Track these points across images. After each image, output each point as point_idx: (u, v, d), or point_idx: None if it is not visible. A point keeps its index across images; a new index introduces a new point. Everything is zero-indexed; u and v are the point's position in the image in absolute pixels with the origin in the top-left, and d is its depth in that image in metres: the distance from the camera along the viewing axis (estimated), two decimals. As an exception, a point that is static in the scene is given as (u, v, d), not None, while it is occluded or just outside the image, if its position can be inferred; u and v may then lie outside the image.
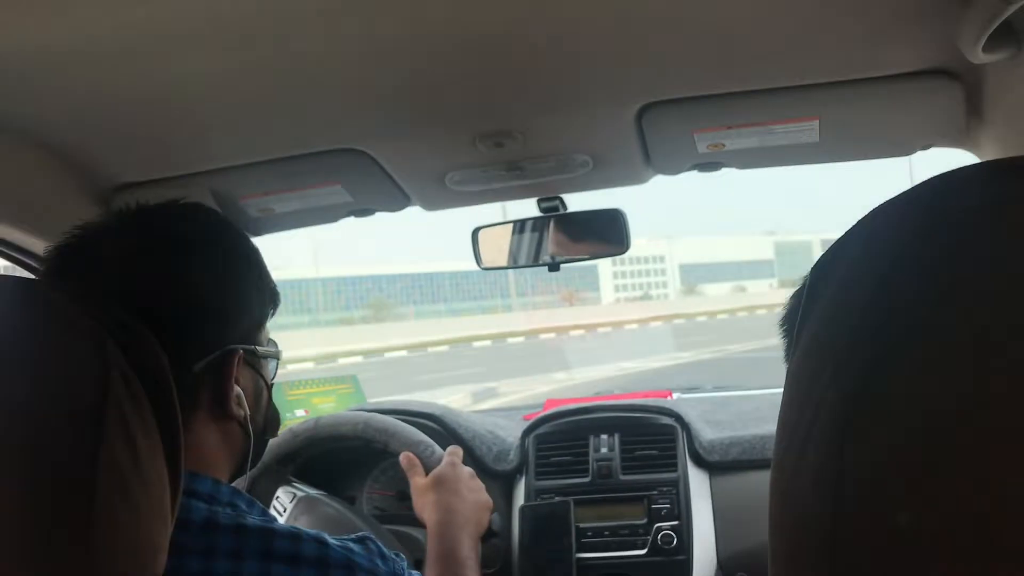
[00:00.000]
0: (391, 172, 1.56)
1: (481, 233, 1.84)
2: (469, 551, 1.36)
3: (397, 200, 1.69)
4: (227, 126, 1.37)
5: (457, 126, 1.41)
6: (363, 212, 1.73)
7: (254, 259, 1.05)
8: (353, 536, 0.96)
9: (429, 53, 1.16)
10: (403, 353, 32.20)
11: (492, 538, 1.60)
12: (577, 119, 1.41)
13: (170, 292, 0.93)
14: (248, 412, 1.01)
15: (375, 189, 1.61)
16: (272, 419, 1.09)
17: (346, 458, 1.91)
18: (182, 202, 1.04)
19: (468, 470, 1.55)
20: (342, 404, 2.65)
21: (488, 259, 1.86)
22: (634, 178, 1.70)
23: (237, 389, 0.98)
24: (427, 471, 1.54)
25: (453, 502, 1.44)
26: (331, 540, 0.92)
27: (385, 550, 0.96)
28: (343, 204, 1.68)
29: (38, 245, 1.45)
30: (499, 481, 1.91)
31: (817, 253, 0.49)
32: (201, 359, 0.94)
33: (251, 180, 1.53)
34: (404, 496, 1.88)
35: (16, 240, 1.44)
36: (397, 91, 1.29)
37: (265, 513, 0.95)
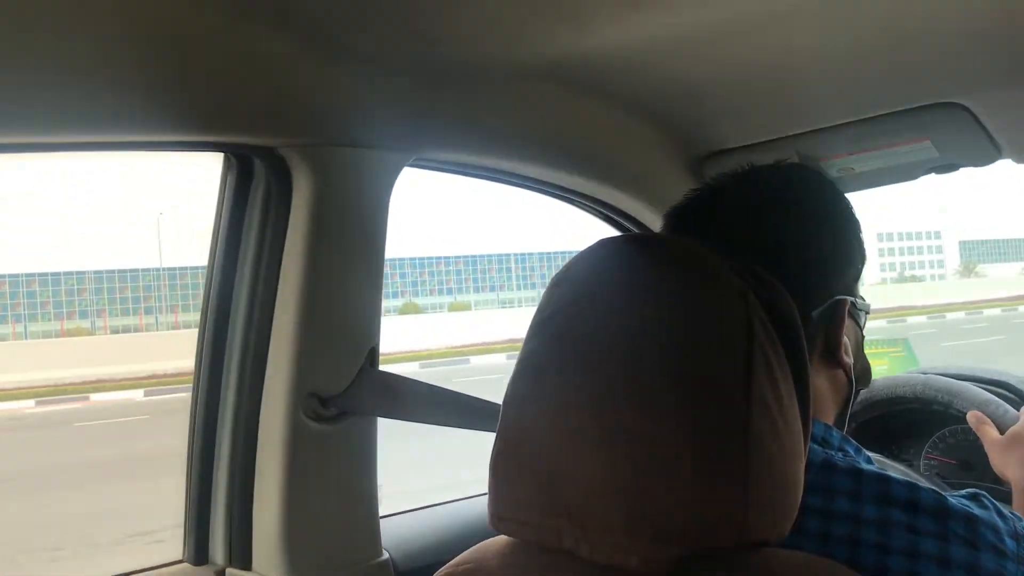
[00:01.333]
0: (987, 125, 1.47)
1: None
2: None
3: (987, 154, 1.59)
4: (821, 89, 1.41)
5: None
6: (945, 168, 1.66)
7: (853, 214, 1.07)
8: (964, 492, 0.94)
9: None
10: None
11: None
12: None
13: (787, 245, 0.98)
14: (852, 361, 1.04)
15: (966, 143, 1.54)
16: (865, 370, 1.10)
17: (902, 423, 1.86)
18: (787, 163, 1.10)
19: None
20: (895, 368, 2.56)
21: None
22: None
23: (844, 338, 1.02)
24: (1000, 432, 1.45)
25: None
26: (947, 494, 0.91)
27: (1001, 507, 0.92)
28: (926, 160, 1.62)
29: (636, 207, 1.64)
30: None
31: None
32: (816, 308, 0.99)
33: (837, 141, 1.56)
34: (968, 466, 1.77)
35: (615, 202, 1.64)
36: (1003, 36, 1.22)
37: (870, 461, 0.98)
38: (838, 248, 1.03)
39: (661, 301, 0.77)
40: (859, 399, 1.78)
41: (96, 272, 46.35)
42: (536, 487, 0.77)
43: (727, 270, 0.79)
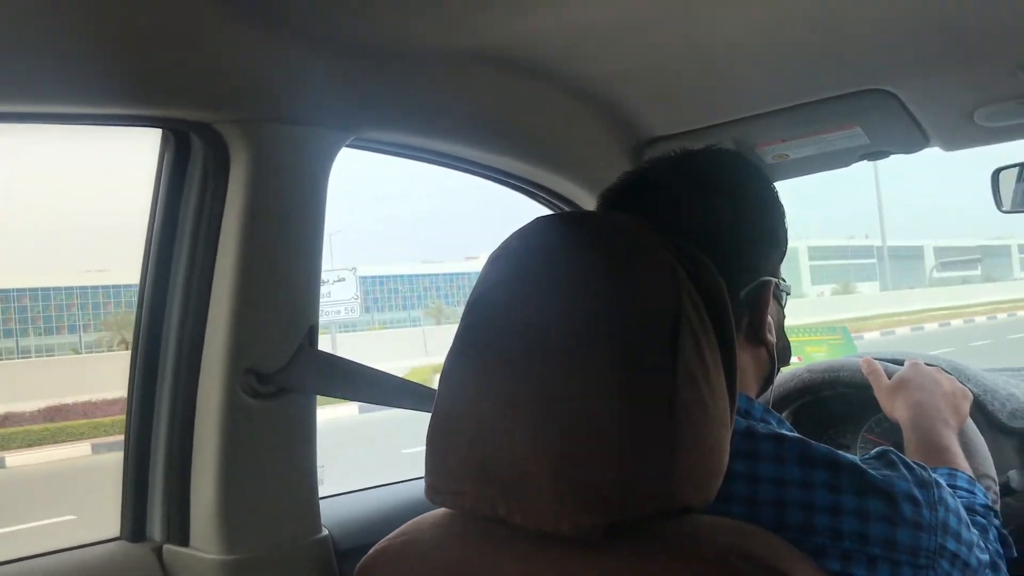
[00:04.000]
0: (914, 111, 1.52)
1: (1003, 174, 1.72)
2: (948, 439, 1.32)
3: (915, 141, 1.65)
4: (754, 76, 1.45)
5: (996, 55, 1.34)
6: (876, 155, 1.71)
7: (778, 200, 1.12)
8: (873, 452, 0.99)
9: None
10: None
11: (1008, 496, 1.51)
12: None
13: (718, 228, 1.02)
14: (775, 340, 1.08)
15: (894, 130, 1.59)
16: (785, 349, 1.15)
17: (840, 407, 1.91)
18: (717, 148, 1.13)
19: (933, 368, 1.49)
20: (833, 353, 2.64)
21: (1009, 202, 1.73)
22: None
23: (768, 317, 1.06)
24: None
25: (921, 397, 1.40)
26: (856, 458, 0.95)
27: (908, 459, 0.97)
28: (858, 147, 1.68)
29: (576, 193, 1.67)
30: (1014, 439, 1.80)
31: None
32: (744, 288, 1.03)
33: (770, 128, 1.60)
34: (903, 446, 1.84)
35: (556, 187, 1.67)
36: (929, 23, 1.26)
37: (793, 430, 1.01)
38: (765, 232, 1.07)
39: (593, 276, 0.80)
40: (796, 382, 1.83)
41: None
42: (470, 458, 0.79)
43: (658, 247, 0.82)
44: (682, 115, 1.60)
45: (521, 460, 0.76)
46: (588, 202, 1.67)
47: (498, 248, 0.87)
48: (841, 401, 1.87)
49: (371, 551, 0.92)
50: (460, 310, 0.87)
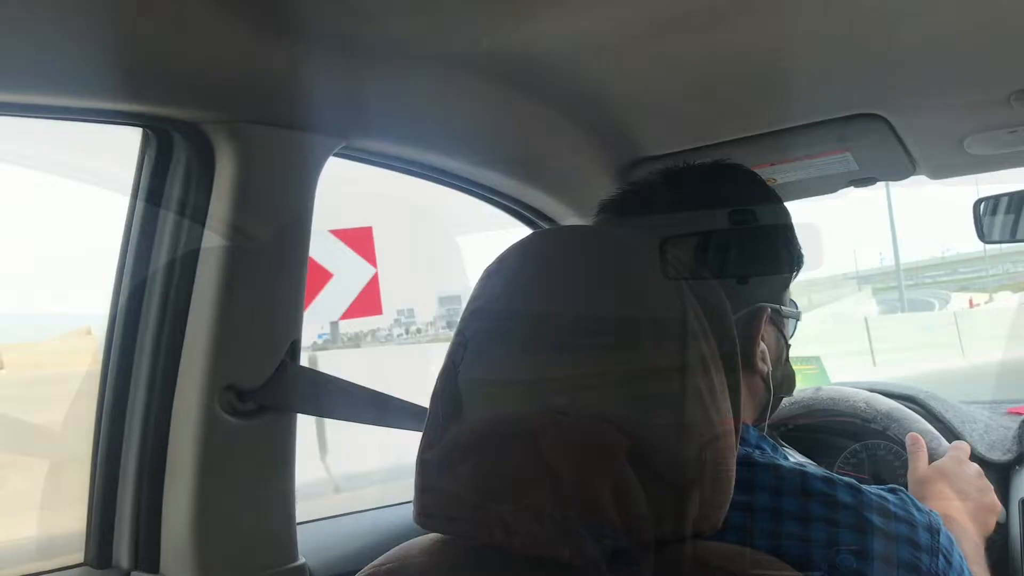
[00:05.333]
0: (904, 137, 1.52)
1: (983, 205, 1.72)
2: (972, 550, 1.25)
3: (903, 168, 1.64)
4: (743, 98, 1.43)
5: (989, 84, 1.34)
6: (864, 182, 1.71)
7: (785, 220, 1.08)
8: (886, 487, 0.95)
9: (958, 4, 1.12)
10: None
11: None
12: None
13: (710, 246, 0.98)
14: (770, 368, 1.03)
15: (884, 156, 1.58)
16: (788, 377, 1.11)
17: (826, 433, 1.90)
18: (721, 162, 1.10)
19: (975, 467, 1.45)
20: (808, 383, 2.64)
21: (991, 232, 1.73)
22: None
23: (762, 346, 1.02)
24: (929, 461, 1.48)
25: (951, 504, 1.35)
26: (864, 487, 0.92)
27: (919, 502, 0.94)
28: (846, 173, 1.67)
29: (560, 211, 1.64)
30: (993, 471, 1.81)
31: None
32: (735, 312, 0.99)
33: (759, 151, 1.58)
34: (880, 480, 1.82)
35: (539, 205, 1.64)
36: (923, 50, 1.25)
37: (787, 458, 0.98)
38: (762, 253, 1.04)
39: (598, 290, 0.77)
40: (801, 404, 1.81)
41: None
42: (468, 481, 0.75)
43: (662, 263, 0.79)
44: (671, 135, 1.58)
45: (522, 483, 0.72)
46: (572, 221, 1.65)
47: (493, 262, 0.83)
48: (831, 428, 1.85)
49: None
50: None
